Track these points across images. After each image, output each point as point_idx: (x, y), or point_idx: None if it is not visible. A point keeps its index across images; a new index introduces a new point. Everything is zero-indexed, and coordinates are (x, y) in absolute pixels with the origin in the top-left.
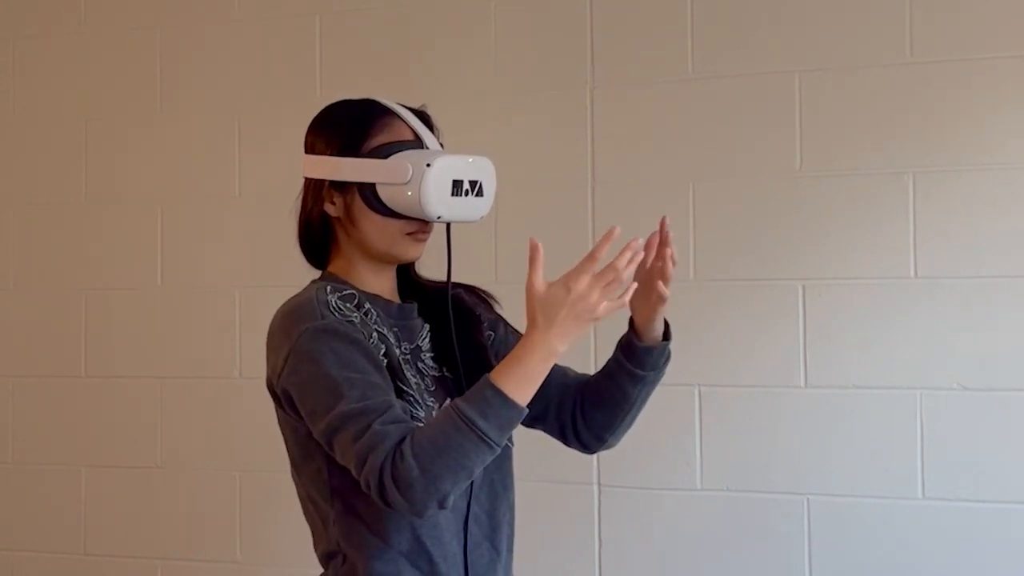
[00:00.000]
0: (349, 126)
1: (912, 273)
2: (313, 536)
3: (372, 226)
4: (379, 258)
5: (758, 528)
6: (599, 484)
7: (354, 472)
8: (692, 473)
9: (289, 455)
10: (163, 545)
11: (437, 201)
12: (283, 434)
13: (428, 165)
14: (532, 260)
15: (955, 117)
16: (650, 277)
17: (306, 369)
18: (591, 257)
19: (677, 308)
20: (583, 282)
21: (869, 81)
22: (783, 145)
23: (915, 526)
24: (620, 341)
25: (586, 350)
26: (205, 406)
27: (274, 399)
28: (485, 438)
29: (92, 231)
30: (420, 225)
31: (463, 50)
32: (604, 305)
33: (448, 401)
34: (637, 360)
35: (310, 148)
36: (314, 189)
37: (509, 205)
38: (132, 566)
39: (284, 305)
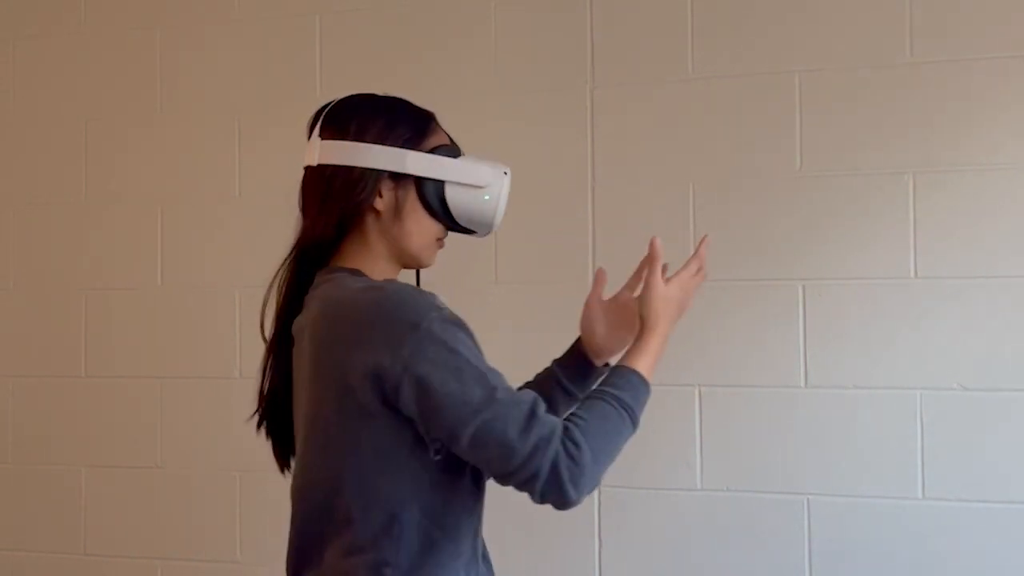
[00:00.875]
0: (412, 120)
1: (912, 273)
2: (346, 548)
3: (417, 225)
4: (404, 260)
5: (758, 528)
6: (599, 484)
7: (508, 464)
8: (692, 473)
9: (347, 455)
10: (163, 545)
11: (503, 210)
12: (344, 433)
13: (505, 173)
14: (654, 259)
15: (955, 117)
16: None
17: (444, 358)
18: (699, 259)
19: None
20: (690, 284)
21: (869, 81)
22: (783, 145)
23: (915, 526)
24: (563, 363)
25: None
26: (205, 406)
27: (375, 392)
28: (637, 423)
29: (92, 231)
30: (445, 232)
31: (463, 50)
32: None
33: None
34: (582, 381)
35: (355, 135)
36: (370, 178)
37: (509, 205)
38: (132, 566)
39: (377, 293)
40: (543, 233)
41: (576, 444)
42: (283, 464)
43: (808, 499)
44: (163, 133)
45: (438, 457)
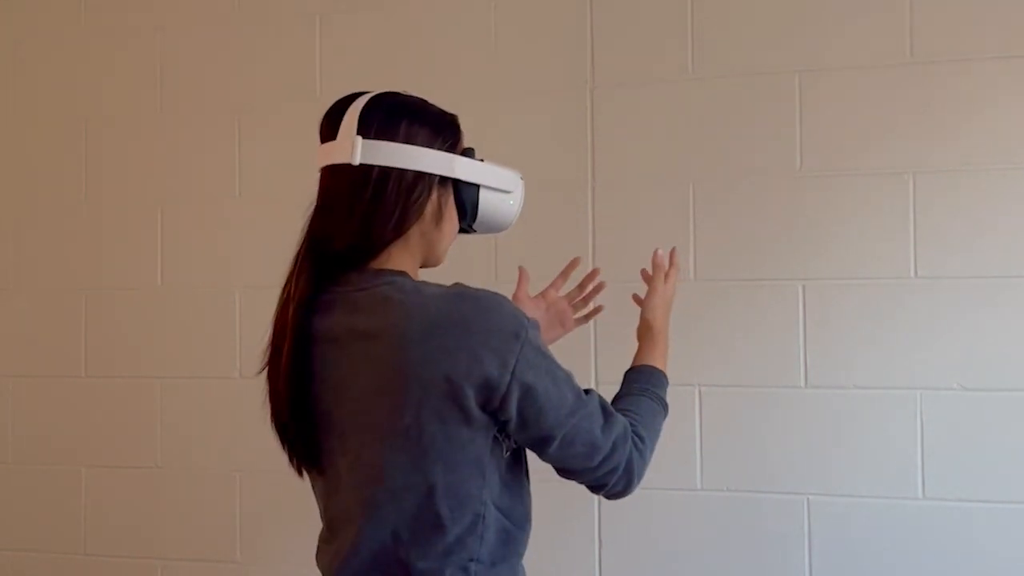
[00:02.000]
0: (449, 124)
1: (912, 273)
2: (434, 552)
3: (451, 228)
4: (429, 260)
5: (758, 528)
6: None
7: (590, 461)
8: (692, 473)
9: (443, 460)
10: (163, 545)
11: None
12: (446, 441)
13: (521, 177)
14: (658, 268)
15: (955, 117)
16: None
17: (543, 363)
18: (677, 267)
19: (677, 308)
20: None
21: (869, 81)
22: (783, 145)
23: (915, 526)
24: None
25: (586, 352)
26: (205, 406)
27: (479, 400)
28: (667, 415)
29: (92, 231)
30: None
31: (463, 50)
32: None
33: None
34: None
35: (405, 137)
36: (424, 183)
37: None
38: (132, 566)
39: (471, 302)
40: (543, 233)
41: (642, 439)
42: (305, 466)
43: (808, 499)
44: (163, 133)
45: (507, 454)
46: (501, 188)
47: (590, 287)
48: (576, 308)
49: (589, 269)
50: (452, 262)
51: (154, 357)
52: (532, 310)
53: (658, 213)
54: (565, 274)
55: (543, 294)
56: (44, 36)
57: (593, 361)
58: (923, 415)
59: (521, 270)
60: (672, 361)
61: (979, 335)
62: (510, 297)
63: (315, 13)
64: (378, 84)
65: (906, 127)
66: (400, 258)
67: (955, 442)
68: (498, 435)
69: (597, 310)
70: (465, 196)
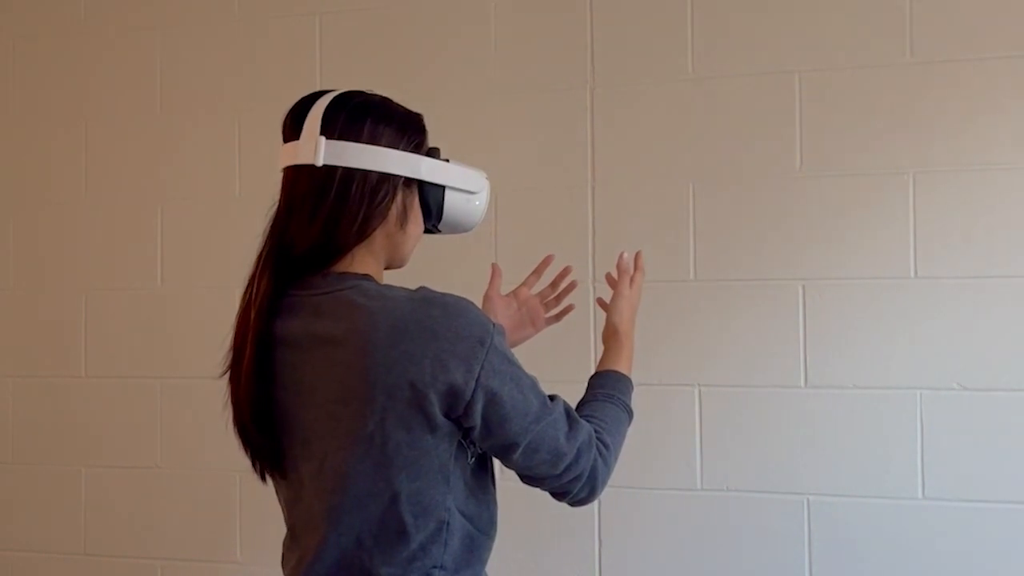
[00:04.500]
0: (414, 123)
1: (912, 273)
2: (397, 559)
3: (416, 230)
4: (394, 262)
5: (758, 528)
6: None
7: (555, 469)
8: (692, 473)
9: (407, 468)
10: (163, 545)
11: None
12: (410, 449)
13: (486, 178)
14: (623, 272)
15: (955, 117)
16: (556, 303)
17: (508, 370)
18: (642, 270)
19: (677, 308)
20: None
21: (869, 81)
22: (783, 145)
23: (915, 526)
24: None
25: (586, 352)
26: (205, 406)
27: (444, 407)
28: (632, 421)
29: (92, 231)
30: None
31: (463, 50)
32: None
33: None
34: None
35: (369, 138)
36: (389, 184)
37: (509, 205)
38: (132, 566)
39: (437, 307)
40: (543, 233)
41: (606, 446)
42: (268, 471)
43: (808, 499)
44: (163, 133)
45: (472, 460)
46: (466, 189)
47: (563, 285)
48: (548, 307)
49: (564, 267)
50: (451, 261)
51: (154, 357)
52: (503, 308)
53: (658, 213)
54: (538, 272)
55: (515, 292)
56: (44, 36)
57: (593, 361)
58: (923, 415)
59: (493, 267)
60: (672, 361)
61: (979, 335)
62: (482, 295)
63: (315, 13)
64: (378, 84)
65: (906, 127)
66: (364, 261)
67: (955, 442)
68: (463, 441)
69: (568, 309)
70: (430, 197)
